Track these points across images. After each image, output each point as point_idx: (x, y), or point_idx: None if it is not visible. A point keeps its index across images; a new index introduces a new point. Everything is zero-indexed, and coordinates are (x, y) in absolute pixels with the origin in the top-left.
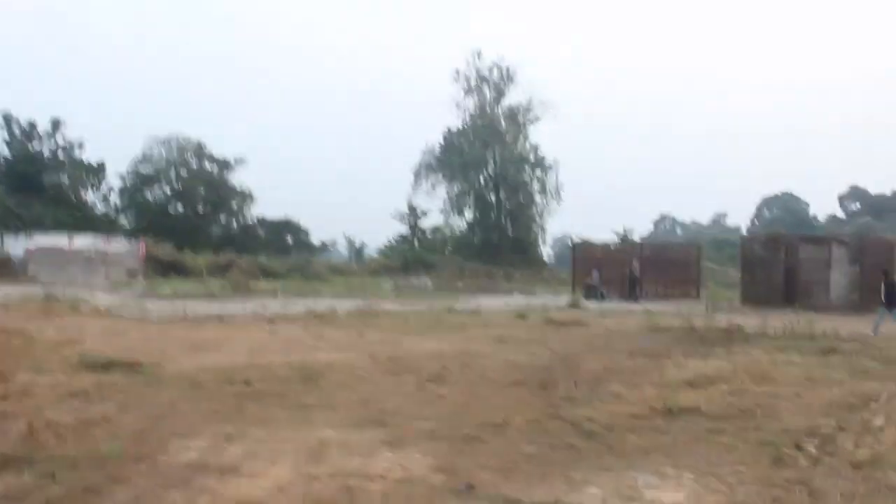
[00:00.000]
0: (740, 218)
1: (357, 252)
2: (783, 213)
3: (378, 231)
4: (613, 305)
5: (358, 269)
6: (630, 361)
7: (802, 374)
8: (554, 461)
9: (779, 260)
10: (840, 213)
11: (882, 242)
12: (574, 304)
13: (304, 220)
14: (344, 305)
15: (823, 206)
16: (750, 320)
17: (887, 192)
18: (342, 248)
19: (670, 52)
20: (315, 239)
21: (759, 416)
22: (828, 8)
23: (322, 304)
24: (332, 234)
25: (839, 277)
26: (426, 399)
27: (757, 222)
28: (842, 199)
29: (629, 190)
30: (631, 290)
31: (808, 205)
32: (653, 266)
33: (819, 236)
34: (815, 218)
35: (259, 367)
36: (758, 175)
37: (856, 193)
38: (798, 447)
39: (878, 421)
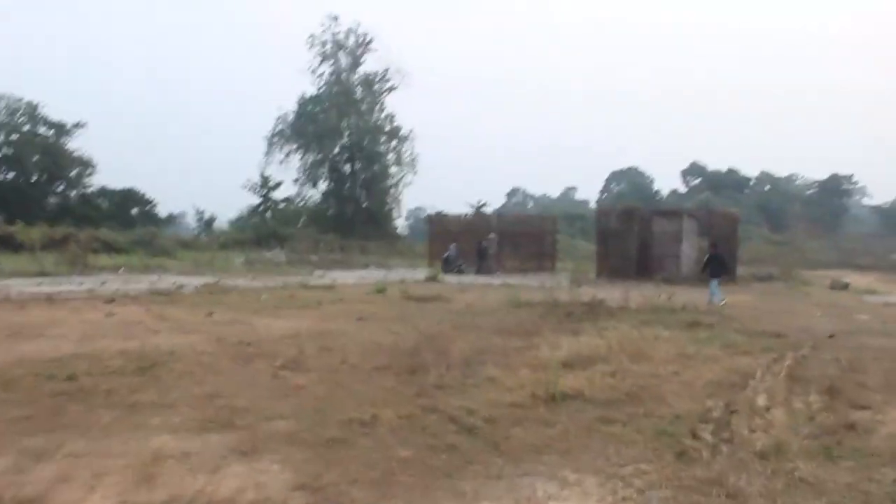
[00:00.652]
0: (589, 192)
1: (207, 225)
2: (629, 187)
3: (230, 202)
4: (472, 279)
5: (208, 242)
6: (500, 340)
7: (675, 351)
8: (435, 467)
9: (633, 233)
10: (682, 188)
11: (728, 216)
12: (432, 278)
13: (150, 191)
14: (191, 282)
15: (666, 181)
16: (610, 293)
17: (724, 168)
18: (192, 220)
19: (527, 25)
20: (163, 211)
21: (646, 400)
22: None
23: (168, 280)
24: (182, 205)
25: (689, 250)
26: (282, 391)
27: (605, 195)
28: (684, 175)
29: (482, 162)
30: (486, 263)
31: (652, 179)
32: (509, 239)
33: (671, 210)
34: (658, 192)
35: (88, 357)
36: (605, 150)
37: (696, 169)
38: (695, 436)
39: (762, 400)
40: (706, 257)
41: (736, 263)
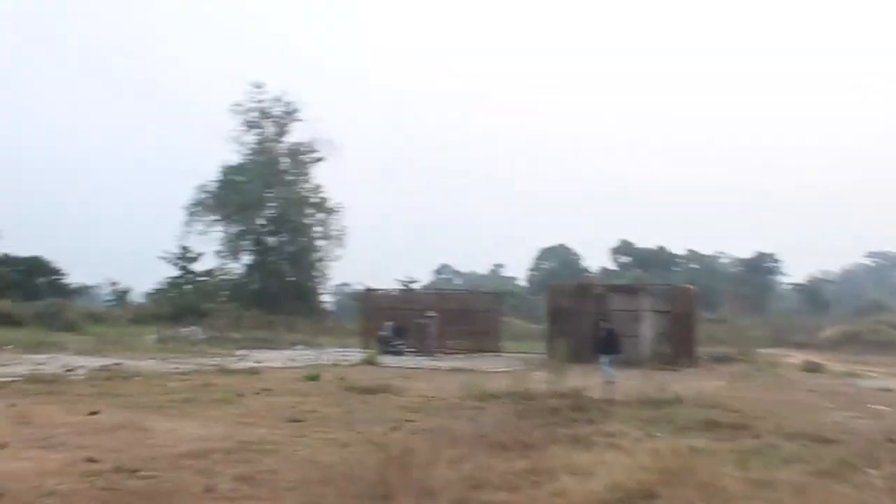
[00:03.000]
0: (517, 269)
1: (120, 297)
2: (559, 264)
3: (147, 275)
4: (414, 362)
5: (122, 316)
6: (491, 458)
7: (740, 475)
8: None
9: (587, 310)
10: (611, 266)
11: (687, 292)
12: (370, 361)
13: (60, 261)
14: (89, 363)
15: (595, 259)
16: (581, 381)
17: (652, 246)
18: (106, 292)
19: (451, 101)
20: (74, 282)
21: None
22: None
23: (60, 361)
24: (95, 277)
25: (647, 330)
26: None
27: (535, 273)
28: (613, 252)
29: (409, 239)
30: (426, 343)
31: (581, 256)
32: (448, 317)
33: (628, 285)
34: (587, 269)
35: None
36: (532, 228)
37: (625, 247)
38: None
39: None
40: (602, 332)
41: (695, 344)
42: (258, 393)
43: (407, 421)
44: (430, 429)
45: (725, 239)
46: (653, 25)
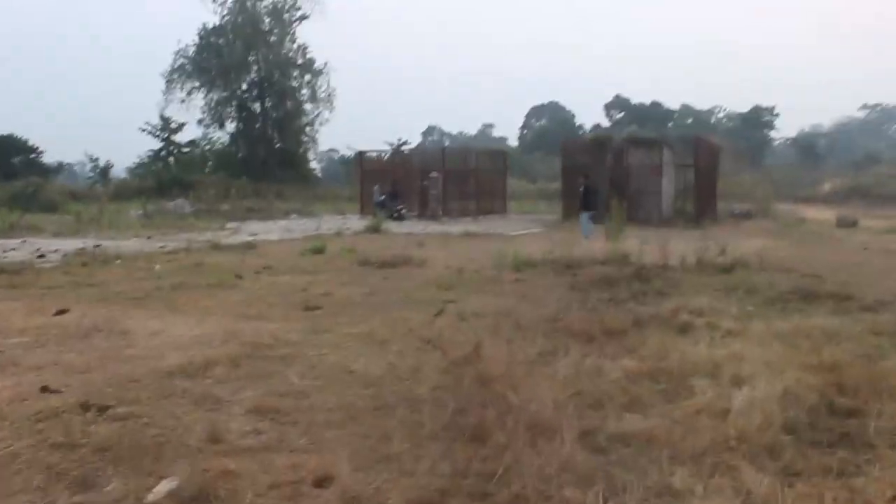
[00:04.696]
0: (507, 129)
1: (102, 173)
2: (551, 122)
3: (127, 148)
4: (420, 227)
5: (103, 193)
6: (585, 355)
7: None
8: None
9: (604, 167)
10: (605, 122)
11: (711, 145)
12: (374, 228)
13: (36, 139)
14: (65, 247)
15: (588, 115)
16: (622, 244)
17: (647, 101)
18: (86, 169)
19: None
20: (51, 160)
21: None
22: None
23: (35, 245)
24: (75, 154)
25: (669, 186)
26: None
27: (526, 132)
28: (607, 108)
29: (395, 100)
30: (430, 206)
31: (573, 114)
32: (454, 178)
33: (649, 138)
34: (581, 127)
35: None
36: (522, 86)
37: (619, 102)
38: None
39: None
40: (580, 189)
41: (716, 200)
42: (259, 272)
43: (447, 301)
44: (480, 311)
45: (718, 93)
46: None
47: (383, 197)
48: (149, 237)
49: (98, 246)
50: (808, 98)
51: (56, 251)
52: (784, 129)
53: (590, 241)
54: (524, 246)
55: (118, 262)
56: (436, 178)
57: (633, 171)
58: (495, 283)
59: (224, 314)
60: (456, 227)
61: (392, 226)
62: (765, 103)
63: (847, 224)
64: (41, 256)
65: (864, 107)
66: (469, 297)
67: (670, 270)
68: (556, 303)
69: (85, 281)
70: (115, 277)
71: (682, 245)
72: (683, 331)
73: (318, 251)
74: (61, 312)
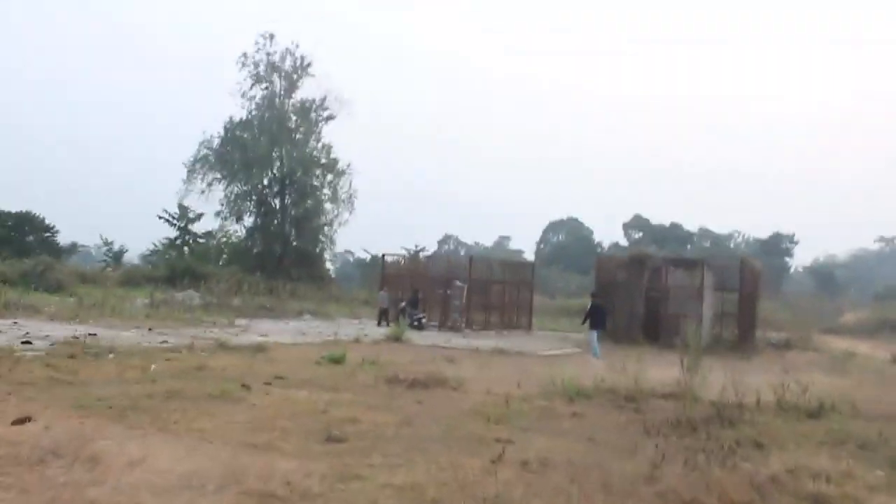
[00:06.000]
0: (523, 242)
1: (115, 258)
2: (569, 237)
3: (143, 235)
4: (441, 339)
5: (115, 277)
6: None
7: None
8: None
9: (641, 286)
10: (623, 241)
11: (754, 269)
12: (396, 337)
13: (51, 217)
14: (58, 332)
15: (606, 233)
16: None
17: (666, 222)
18: (99, 252)
19: (461, 72)
20: (65, 240)
21: None
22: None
23: (26, 329)
24: (89, 237)
25: (707, 309)
26: None
27: (543, 245)
28: (626, 227)
29: (412, 207)
30: (452, 317)
31: (591, 231)
32: (478, 289)
33: (689, 258)
34: (600, 244)
35: None
36: (540, 201)
37: (638, 222)
38: None
39: None
40: (588, 307)
41: (755, 326)
42: (269, 383)
43: (499, 441)
44: (547, 458)
45: (735, 219)
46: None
47: (403, 304)
48: (150, 329)
49: (92, 335)
50: (821, 228)
51: (46, 337)
52: (798, 258)
53: (600, 361)
54: (566, 370)
55: (110, 356)
56: (460, 288)
57: (672, 292)
58: (551, 417)
59: (224, 441)
60: (481, 341)
61: (413, 335)
62: (784, 230)
63: None
64: (26, 342)
65: (881, 239)
66: (526, 435)
67: (747, 411)
68: (634, 451)
69: (66, 378)
70: (101, 376)
71: (745, 379)
72: None
73: (337, 361)
74: (21, 421)
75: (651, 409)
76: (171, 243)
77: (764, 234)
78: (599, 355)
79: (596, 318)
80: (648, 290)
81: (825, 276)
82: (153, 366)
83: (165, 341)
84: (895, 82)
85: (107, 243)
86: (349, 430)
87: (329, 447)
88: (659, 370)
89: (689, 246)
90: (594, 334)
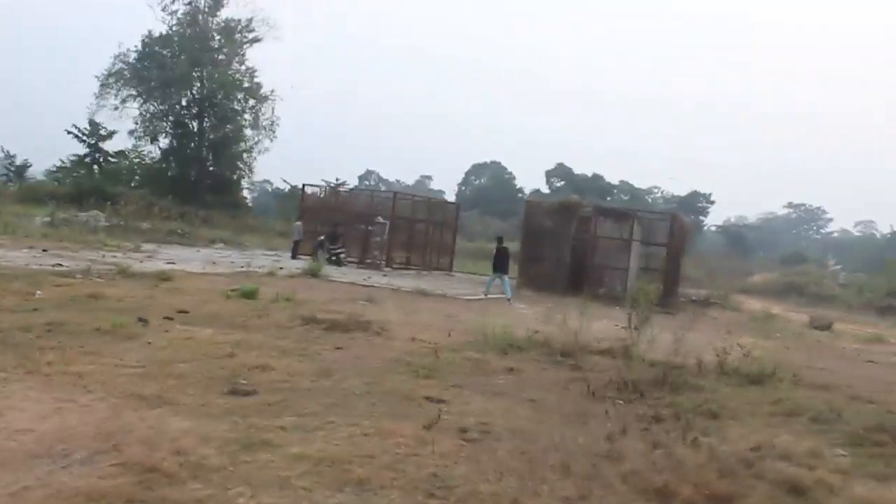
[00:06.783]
0: (444, 182)
1: (17, 171)
2: (491, 181)
3: (50, 151)
4: (361, 276)
5: (16, 192)
6: None
7: None
8: None
9: (569, 234)
10: (544, 189)
11: (684, 224)
12: (313, 273)
13: None
14: None
15: (529, 180)
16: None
17: (588, 173)
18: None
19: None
20: None
21: None
22: None
23: None
24: None
25: (634, 261)
26: None
27: (465, 188)
28: (548, 175)
29: (333, 139)
30: (368, 253)
31: (514, 176)
32: (401, 227)
33: (620, 209)
34: (521, 190)
35: None
36: (464, 142)
37: (561, 171)
38: None
39: None
40: (494, 252)
41: (678, 283)
42: (170, 318)
43: (429, 400)
44: (487, 425)
45: (654, 175)
46: None
47: (322, 238)
48: (45, 250)
49: None
50: (734, 189)
51: None
52: (710, 217)
53: (512, 303)
54: (495, 318)
55: None
56: (382, 224)
57: (600, 243)
58: (484, 371)
59: (106, 390)
60: (401, 280)
61: (331, 271)
62: (701, 189)
63: (822, 326)
64: None
65: (789, 205)
66: (460, 393)
67: (689, 374)
68: (582, 418)
69: None
70: None
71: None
72: (798, 493)
73: (249, 295)
74: None
75: (589, 366)
76: (79, 161)
77: (682, 191)
78: (489, 293)
79: (500, 262)
80: (575, 240)
81: (735, 237)
82: (38, 292)
83: (59, 265)
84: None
85: (8, 156)
86: (258, 379)
87: (233, 401)
88: (588, 323)
89: (608, 198)
90: (501, 278)
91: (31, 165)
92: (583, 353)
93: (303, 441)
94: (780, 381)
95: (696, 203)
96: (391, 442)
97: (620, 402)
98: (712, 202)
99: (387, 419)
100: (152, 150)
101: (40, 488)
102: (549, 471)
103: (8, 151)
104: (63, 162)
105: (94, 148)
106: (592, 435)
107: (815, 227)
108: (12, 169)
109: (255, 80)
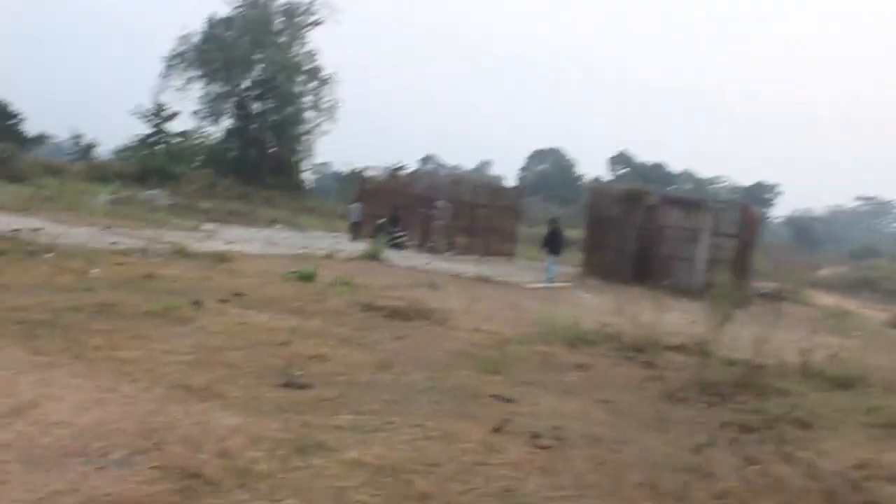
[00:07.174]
0: (505, 168)
1: (85, 151)
2: (553, 167)
3: (117, 130)
4: (421, 261)
5: (82, 170)
6: None
7: None
8: None
9: (635, 223)
10: (607, 176)
11: (754, 215)
12: (373, 256)
13: (20, 105)
14: (2, 224)
15: (590, 167)
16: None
17: (650, 161)
18: (70, 145)
19: None
20: (33, 129)
21: None
22: None
23: None
24: (60, 128)
25: (703, 253)
26: None
27: (526, 174)
28: (611, 162)
29: (395, 122)
30: (429, 237)
31: (575, 162)
32: (463, 212)
33: (689, 199)
34: (582, 177)
35: None
36: (526, 129)
37: (623, 158)
38: None
39: None
40: (547, 233)
41: (750, 276)
42: (226, 301)
43: (497, 398)
44: (560, 430)
45: (720, 164)
46: None
47: (382, 220)
48: (108, 227)
49: (39, 229)
50: (802, 180)
51: None
52: (775, 209)
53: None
54: (561, 308)
55: (47, 256)
56: (445, 208)
57: (666, 232)
58: (553, 367)
59: (153, 379)
60: (463, 266)
61: (392, 255)
62: (770, 179)
63: None
64: None
65: (859, 198)
66: (529, 391)
67: (771, 376)
68: (663, 423)
69: None
70: (28, 280)
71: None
72: None
73: (307, 278)
74: None
75: (664, 364)
76: (144, 140)
77: (747, 181)
78: (554, 278)
79: (554, 243)
80: (641, 228)
81: (802, 229)
82: (94, 270)
83: (118, 242)
84: None
85: (76, 136)
86: (314, 370)
87: (287, 395)
88: (658, 316)
89: (672, 187)
90: (555, 259)
91: (98, 145)
92: (656, 348)
93: (360, 444)
94: (871, 387)
95: (761, 194)
96: (457, 448)
97: (703, 404)
98: (778, 193)
99: (451, 420)
100: (215, 131)
101: (70, 493)
102: (634, 488)
103: (76, 131)
104: (129, 142)
105: (159, 128)
106: (676, 444)
107: (886, 221)
108: (80, 148)
109: (316, 62)
